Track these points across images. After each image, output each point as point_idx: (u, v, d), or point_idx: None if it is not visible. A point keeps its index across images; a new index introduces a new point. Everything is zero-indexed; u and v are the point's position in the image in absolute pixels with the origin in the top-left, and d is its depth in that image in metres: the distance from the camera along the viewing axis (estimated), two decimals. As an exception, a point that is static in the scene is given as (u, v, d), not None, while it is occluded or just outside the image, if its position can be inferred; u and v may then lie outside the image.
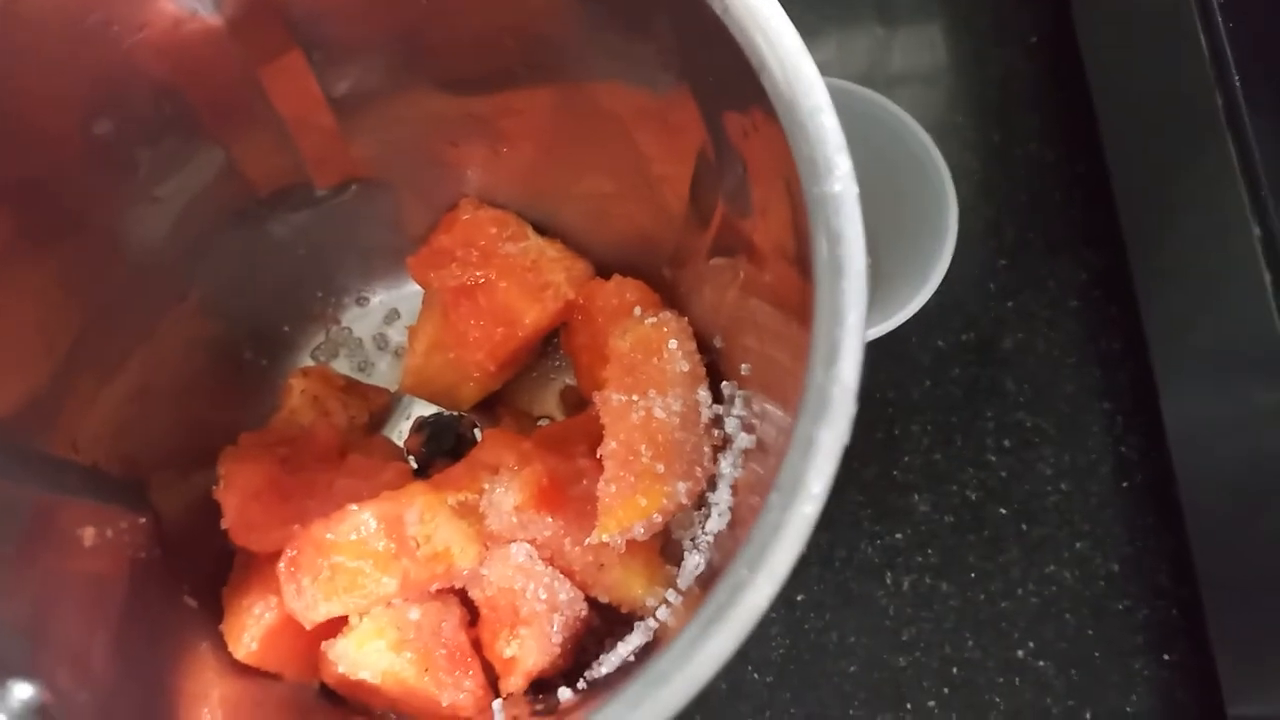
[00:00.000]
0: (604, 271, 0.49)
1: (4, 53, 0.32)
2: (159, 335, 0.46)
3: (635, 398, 0.41)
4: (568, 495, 0.42)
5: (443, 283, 0.48)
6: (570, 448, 0.45)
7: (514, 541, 0.42)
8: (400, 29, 0.39)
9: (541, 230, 0.50)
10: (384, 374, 0.54)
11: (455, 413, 0.52)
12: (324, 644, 0.43)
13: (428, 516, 0.41)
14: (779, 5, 0.29)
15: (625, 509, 0.39)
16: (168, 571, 0.45)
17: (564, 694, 0.39)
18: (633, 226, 0.47)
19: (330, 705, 0.46)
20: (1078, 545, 0.57)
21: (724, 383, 0.42)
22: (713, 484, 0.40)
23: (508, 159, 0.47)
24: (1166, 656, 0.56)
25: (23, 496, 0.37)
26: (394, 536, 0.40)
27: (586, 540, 0.41)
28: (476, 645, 0.43)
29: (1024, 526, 0.57)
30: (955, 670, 0.56)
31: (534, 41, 0.38)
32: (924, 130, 0.51)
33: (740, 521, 0.37)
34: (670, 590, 0.40)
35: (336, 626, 0.43)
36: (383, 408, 0.53)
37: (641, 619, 0.41)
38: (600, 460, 0.41)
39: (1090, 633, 0.56)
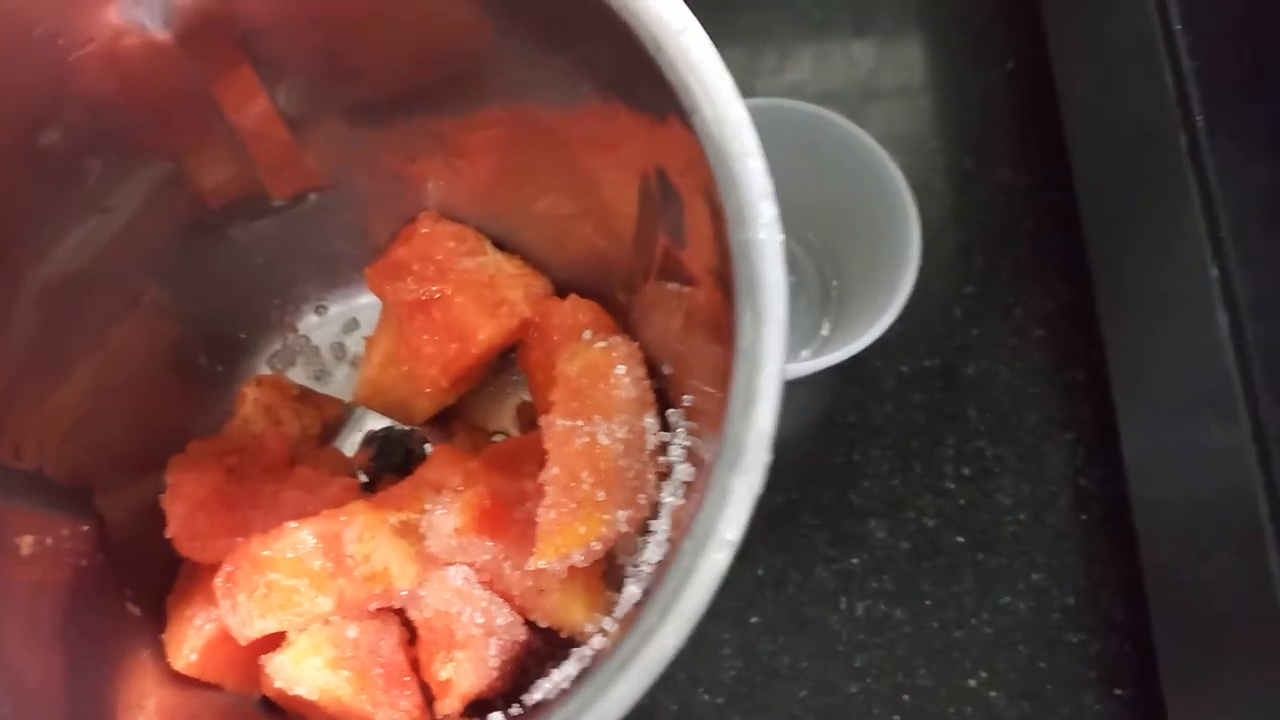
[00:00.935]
0: (563, 290, 0.49)
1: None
2: (112, 340, 0.46)
3: (580, 423, 0.41)
4: (509, 517, 0.42)
5: (399, 295, 0.48)
6: (520, 466, 0.45)
7: (453, 564, 0.42)
8: (331, 48, 0.39)
9: (502, 246, 0.50)
10: (340, 383, 0.54)
11: (406, 427, 0.52)
12: (262, 658, 0.43)
13: (367, 535, 0.41)
14: (713, 49, 0.28)
15: (564, 536, 0.39)
16: (110, 578, 0.45)
17: (495, 718, 0.38)
18: (589, 248, 0.47)
19: (270, 716, 0.46)
20: (1034, 576, 0.57)
21: (669, 410, 0.41)
22: (656, 511, 0.40)
23: (465, 175, 0.47)
24: (1118, 691, 0.56)
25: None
26: (331, 555, 0.40)
27: (526, 565, 0.40)
28: (414, 665, 0.43)
29: (980, 556, 0.57)
30: (906, 698, 0.55)
31: (463, 65, 0.38)
32: (890, 157, 0.51)
33: (676, 554, 0.37)
34: (607, 619, 0.40)
35: (277, 640, 0.43)
36: (336, 418, 0.53)
37: (580, 644, 0.40)
38: (543, 485, 0.41)
39: (1042, 664, 0.56)
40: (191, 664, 0.43)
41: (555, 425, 0.41)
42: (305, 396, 0.51)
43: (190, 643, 0.43)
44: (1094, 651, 0.56)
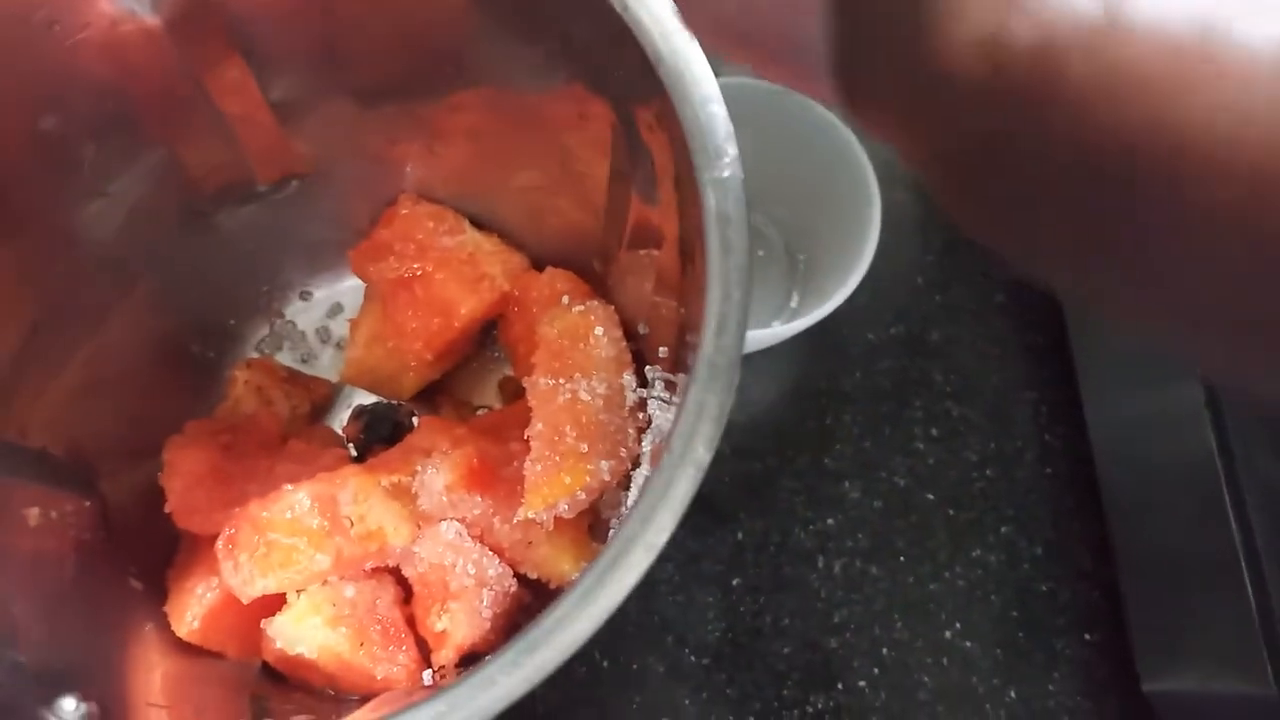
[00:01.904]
0: (539, 265, 0.51)
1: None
2: (108, 327, 0.48)
3: (562, 381, 0.43)
4: (497, 476, 0.44)
5: (382, 275, 0.50)
6: (505, 433, 0.47)
7: (445, 520, 0.44)
8: (320, 36, 0.40)
9: (479, 225, 0.52)
10: (326, 366, 0.56)
11: (394, 401, 0.54)
12: (263, 622, 0.44)
13: (361, 497, 0.43)
14: (672, 6, 0.31)
15: (550, 486, 0.41)
16: (113, 554, 0.46)
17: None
18: (565, 221, 0.49)
19: (271, 682, 0.47)
20: (1003, 530, 0.59)
21: (647, 367, 0.44)
22: (636, 463, 0.42)
23: (444, 156, 0.49)
24: (1087, 636, 0.58)
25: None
26: (328, 515, 0.42)
27: (514, 518, 0.42)
28: (410, 621, 0.45)
29: (951, 512, 0.59)
30: (885, 651, 0.57)
31: (443, 48, 0.40)
32: (855, 135, 0.53)
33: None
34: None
35: (275, 605, 0.44)
36: (324, 398, 0.54)
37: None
38: (528, 442, 0.43)
39: (1015, 614, 0.58)
40: (194, 631, 0.45)
41: (539, 384, 0.43)
42: (294, 378, 0.53)
43: (193, 610, 0.45)
44: (1063, 600, 0.58)
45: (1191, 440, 0.49)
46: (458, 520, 0.44)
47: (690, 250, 0.34)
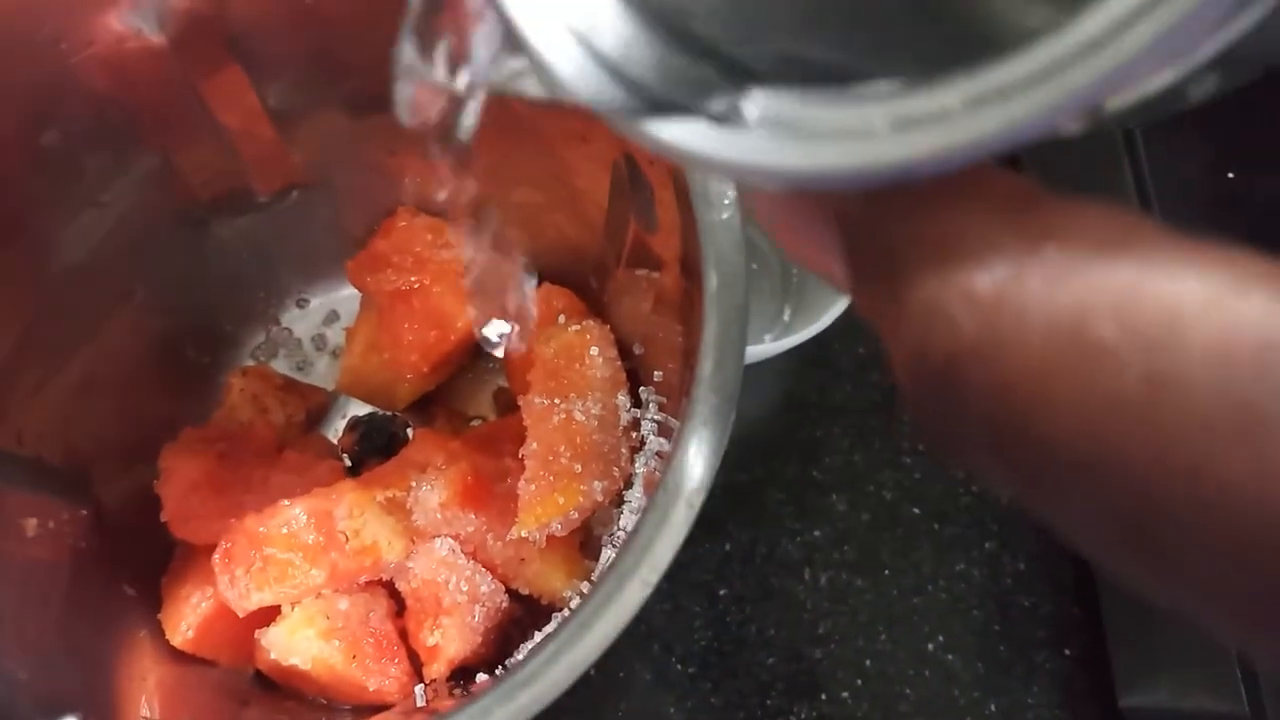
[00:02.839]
0: (537, 279, 0.51)
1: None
2: (105, 333, 0.48)
3: (557, 401, 0.43)
4: (491, 492, 0.45)
5: (379, 286, 0.50)
6: (499, 447, 0.47)
7: (439, 536, 0.44)
8: (317, 48, 0.41)
9: (476, 238, 0.52)
10: (321, 374, 0.56)
11: (389, 412, 0.54)
12: (257, 632, 0.45)
13: (356, 512, 0.43)
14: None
15: (544, 506, 0.42)
16: (108, 561, 0.47)
17: (481, 678, 0.41)
18: (562, 237, 0.49)
19: (264, 691, 0.48)
20: (987, 545, 0.60)
21: (642, 388, 0.44)
22: (629, 483, 0.43)
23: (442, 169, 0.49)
24: (1067, 651, 0.59)
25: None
26: (323, 530, 0.43)
27: (508, 535, 0.43)
28: (403, 634, 0.45)
29: (936, 526, 0.60)
30: (868, 662, 0.58)
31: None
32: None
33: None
34: (586, 583, 0.42)
35: (270, 615, 0.45)
36: (320, 406, 0.55)
37: (560, 610, 0.43)
38: (522, 459, 0.43)
39: (996, 627, 0.59)
40: (189, 640, 0.45)
41: (534, 403, 0.43)
42: (289, 386, 0.53)
43: (187, 620, 0.45)
44: (1044, 614, 0.59)
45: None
46: (451, 537, 0.44)
47: (691, 272, 0.34)
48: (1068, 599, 0.59)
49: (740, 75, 0.18)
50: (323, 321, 0.57)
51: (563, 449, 0.42)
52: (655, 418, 0.42)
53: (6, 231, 0.41)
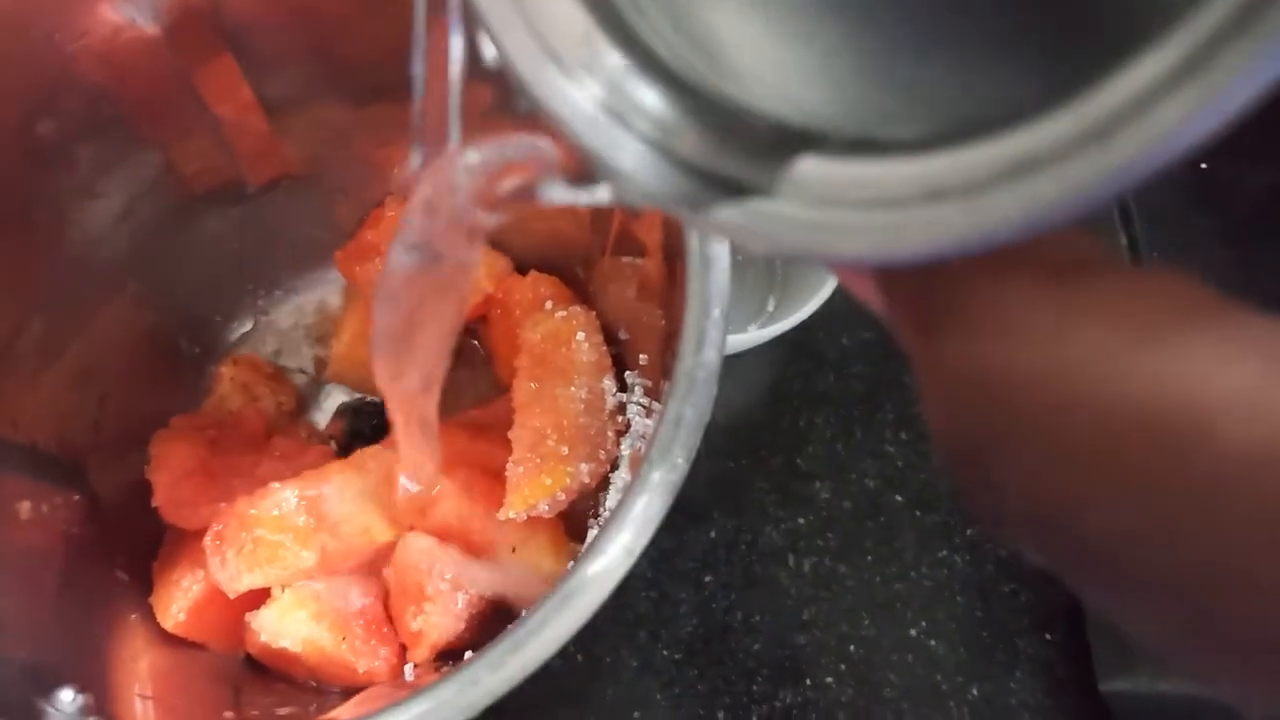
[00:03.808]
0: (522, 269, 0.52)
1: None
2: (98, 324, 0.49)
3: (544, 385, 0.44)
4: (479, 476, 0.45)
5: (367, 276, 0.51)
6: (486, 432, 0.48)
7: (424, 520, 0.45)
8: (315, 43, 0.41)
9: (463, 229, 0.53)
10: (310, 362, 0.57)
11: (377, 399, 0.55)
12: (248, 615, 0.45)
13: (346, 495, 0.44)
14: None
15: (531, 487, 0.42)
16: (101, 546, 0.47)
17: (468, 656, 0.41)
18: (549, 227, 0.50)
19: (254, 675, 0.48)
20: (969, 532, 0.61)
21: (627, 372, 0.45)
22: (615, 465, 0.44)
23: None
24: (1048, 636, 0.59)
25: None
26: (313, 513, 0.43)
27: (497, 515, 0.43)
28: (389, 618, 0.46)
29: (919, 513, 0.61)
30: (852, 648, 0.59)
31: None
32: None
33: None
34: (572, 563, 0.43)
35: (259, 599, 0.45)
36: (308, 394, 0.55)
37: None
38: (510, 443, 0.44)
39: (979, 613, 0.60)
40: (180, 623, 0.46)
41: (521, 387, 0.44)
42: (278, 374, 0.54)
43: (178, 603, 0.46)
44: (1025, 600, 0.60)
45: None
46: (438, 520, 0.45)
47: (674, 258, 0.35)
48: (1049, 585, 0.60)
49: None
50: (313, 311, 0.57)
51: (550, 432, 0.43)
52: (640, 401, 0.43)
53: (4, 223, 0.42)
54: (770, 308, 0.62)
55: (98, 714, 0.38)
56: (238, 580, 0.43)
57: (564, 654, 0.58)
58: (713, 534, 0.60)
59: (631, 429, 0.43)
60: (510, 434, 0.43)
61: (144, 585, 0.48)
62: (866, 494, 0.61)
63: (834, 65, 0.19)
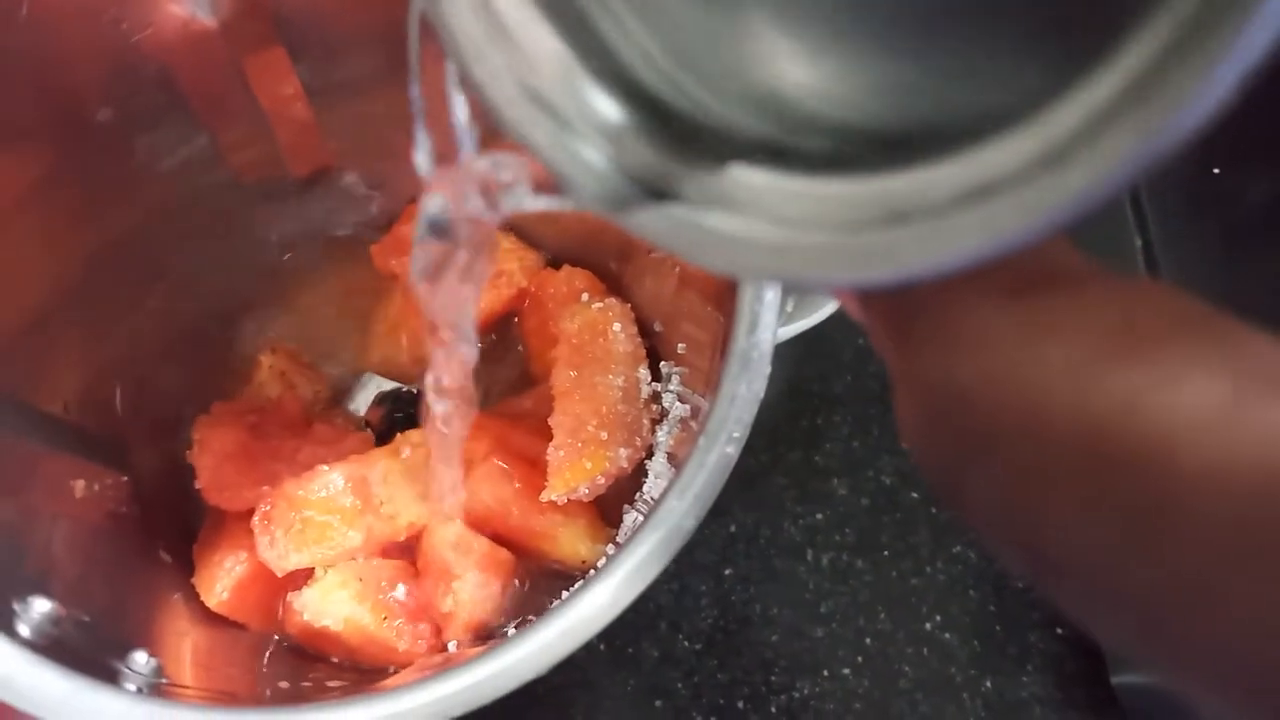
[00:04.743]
0: (556, 263, 0.54)
1: (31, 44, 0.36)
2: (141, 311, 0.50)
3: (583, 373, 0.45)
4: (517, 462, 0.46)
5: (404, 269, 0.52)
6: (523, 420, 0.49)
7: (462, 505, 0.46)
8: (359, 31, 0.43)
9: (498, 224, 0.54)
10: (349, 352, 0.58)
11: (415, 389, 0.56)
12: (290, 595, 0.47)
13: (390, 479, 0.45)
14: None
15: (573, 471, 0.44)
16: (145, 528, 0.49)
17: (510, 631, 0.43)
18: (582, 222, 0.51)
19: (292, 655, 0.49)
20: (982, 529, 0.62)
21: (662, 362, 0.46)
22: (650, 452, 0.45)
23: (468, 154, 0.51)
24: (1060, 630, 0.61)
25: (26, 448, 0.40)
26: (360, 495, 0.45)
27: (539, 497, 0.45)
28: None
29: (933, 510, 0.62)
30: (868, 641, 0.60)
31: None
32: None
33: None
34: (610, 545, 0.44)
35: (301, 580, 0.47)
36: (345, 383, 0.56)
37: (584, 573, 0.45)
38: (550, 429, 0.45)
39: (992, 608, 0.61)
40: (224, 602, 0.47)
41: (561, 375, 0.45)
42: (316, 364, 0.55)
43: (222, 582, 0.47)
44: (1037, 595, 0.61)
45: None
46: (477, 504, 0.46)
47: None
48: (1059, 581, 0.61)
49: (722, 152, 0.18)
50: (348, 301, 0.59)
51: (590, 418, 0.44)
52: (676, 389, 0.45)
53: (56, 206, 0.43)
54: (788, 308, 0.63)
55: (168, 678, 0.39)
56: (285, 559, 0.44)
57: (587, 644, 0.59)
58: (733, 528, 0.62)
59: (668, 416, 0.44)
60: (551, 420, 0.45)
61: (185, 567, 0.49)
62: (883, 490, 0.62)
63: (810, 65, 0.19)
